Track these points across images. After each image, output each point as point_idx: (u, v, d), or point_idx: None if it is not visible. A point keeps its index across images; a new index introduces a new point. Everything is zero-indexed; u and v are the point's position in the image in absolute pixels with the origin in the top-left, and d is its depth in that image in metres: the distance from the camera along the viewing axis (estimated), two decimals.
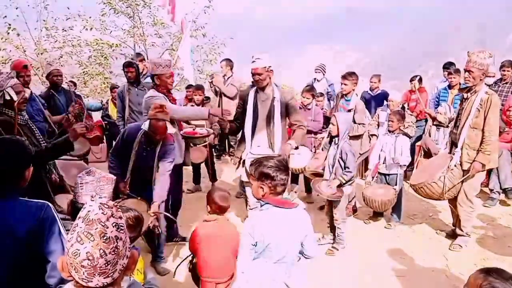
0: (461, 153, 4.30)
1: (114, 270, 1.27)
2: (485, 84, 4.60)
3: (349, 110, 5.30)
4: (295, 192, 6.26)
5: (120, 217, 1.31)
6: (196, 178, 6.58)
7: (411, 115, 7.05)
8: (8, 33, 10.95)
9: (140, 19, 12.15)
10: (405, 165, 5.07)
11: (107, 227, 1.25)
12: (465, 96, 4.40)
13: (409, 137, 5.43)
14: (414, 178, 4.67)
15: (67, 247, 1.26)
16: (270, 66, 3.98)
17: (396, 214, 5.22)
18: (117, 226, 1.27)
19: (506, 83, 6.35)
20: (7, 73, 3.55)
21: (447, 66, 7.82)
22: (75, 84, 9.56)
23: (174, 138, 4.04)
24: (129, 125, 4.25)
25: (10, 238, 1.81)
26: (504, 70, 6.39)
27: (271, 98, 4.08)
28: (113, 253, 1.24)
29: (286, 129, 4.18)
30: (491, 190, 5.84)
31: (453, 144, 4.53)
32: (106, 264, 1.24)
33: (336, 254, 4.46)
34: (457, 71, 6.98)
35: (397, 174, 5.00)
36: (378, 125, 6.15)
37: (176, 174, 4.40)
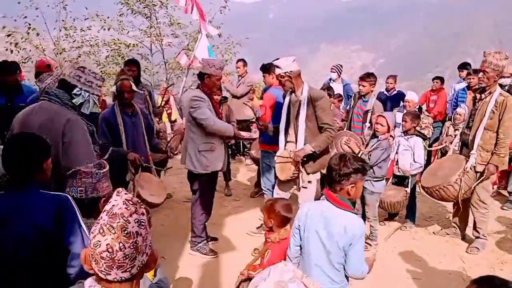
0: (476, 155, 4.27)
1: (133, 266, 1.29)
2: (500, 84, 4.54)
3: (367, 111, 5.28)
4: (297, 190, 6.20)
5: (143, 214, 1.34)
6: None
7: (429, 116, 7.00)
8: (28, 33, 11.13)
9: (157, 19, 12.24)
10: (416, 173, 5.02)
11: (129, 222, 1.28)
12: (478, 97, 4.35)
13: (425, 138, 5.36)
14: (426, 181, 4.61)
15: (90, 238, 1.30)
16: (287, 72, 4.00)
17: (410, 218, 5.19)
18: (138, 222, 1.30)
19: None
20: (56, 74, 3.58)
21: (463, 66, 7.74)
22: None
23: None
24: (101, 113, 4.27)
25: (30, 229, 1.85)
26: None
27: (299, 101, 4.10)
28: (132, 247, 1.27)
29: (314, 131, 4.12)
30: (510, 193, 5.76)
31: (464, 144, 4.49)
32: (125, 258, 1.26)
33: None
34: (476, 71, 6.90)
35: (409, 176, 4.96)
36: (395, 126, 6.11)
37: (213, 180, 4.48)
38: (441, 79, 7.78)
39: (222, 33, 12.13)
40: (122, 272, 1.28)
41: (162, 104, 7.26)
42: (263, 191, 5.23)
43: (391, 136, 5.84)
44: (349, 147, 4.68)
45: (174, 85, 12.12)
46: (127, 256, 1.26)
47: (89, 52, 12.25)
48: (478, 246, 4.48)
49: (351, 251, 2.29)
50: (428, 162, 6.60)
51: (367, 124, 5.31)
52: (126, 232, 1.26)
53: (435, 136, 7.14)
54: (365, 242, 4.53)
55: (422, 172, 5.20)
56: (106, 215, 1.29)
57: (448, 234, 4.88)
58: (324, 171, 4.29)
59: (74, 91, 2.77)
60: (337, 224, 2.29)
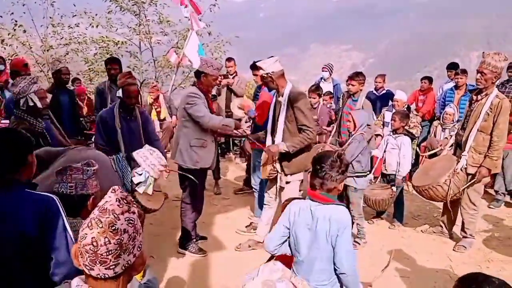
0: (467, 157, 4.27)
1: (116, 263, 1.28)
2: None
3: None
4: (300, 191, 6.29)
5: (134, 213, 1.35)
6: None
7: (417, 115, 7.04)
8: (15, 29, 10.98)
9: (146, 17, 12.16)
10: (404, 176, 5.05)
11: (118, 219, 1.29)
12: (474, 98, 4.32)
13: (413, 137, 5.38)
14: (417, 179, 4.63)
15: (79, 232, 1.31)
16: (268, 73, 4.01)
17: (398, 217, 5.22)
18: (128, 221, 1.31)
19: None
20: (30, 78, 3.50)
21: (451, 66, 7.82)
22: (79, 81, 9.61)
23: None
24: (100, 113, 4.23)
25: (14, 229, 1.81)
26: (511, 71, 6.36)
27: (281, 102, 4.12)
28: (116, 243, 1.26)
29: (294, 132, 4.11)
30: (496, 192, 5.83)
31: (458, 145, 4.50)
32: (108, 253, 1.26)
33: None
34: (464, 71, 6.96)
35: (395, 174, 4.99)
36: (383, 125, 6.14)
37: (202, 177, 4.50)
38: (429, 79, 7.84)
39: (211, 31, 12.09)
40: (105, 268, 1.27)
41: (151, 102, 7.22)
42: (253, 189, 5.23)
43: (379, 135, 5.88)
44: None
45: (164, 83, 12.08)
46: (110, 252, 1.26)
47: (77, 49, 12.13)
48: (465, 245, 4.51)
49: (338, 243, 2.30)
50: (416, 162, 6.66)
51: None
52: (113, 228, 1.26)
53: (423, 136, 7.19)
54: (354, 241, 4.54)
55: (410, 171, 5.23)
56: (98, 210, 1.31)
57: (435, 232, 4.92)
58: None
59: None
60: (322, 218, 2.34)
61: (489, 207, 5.73)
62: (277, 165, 4.13)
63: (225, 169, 7.45)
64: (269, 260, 2.86)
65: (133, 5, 11.90)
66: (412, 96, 7.92)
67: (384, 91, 7.36)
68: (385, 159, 5.08)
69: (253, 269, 2.53)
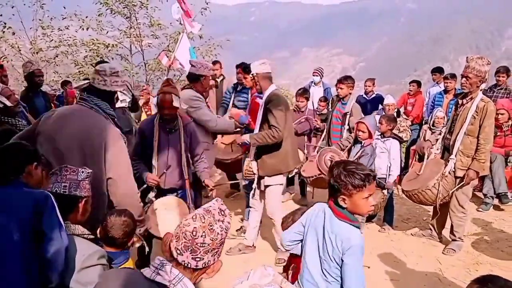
0: (455, 160, 4.31)
1: (202, 258, 1.45)
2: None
3: (345, 114, 5.31)
4: (291, 193, 6.29)
5: (229, 222, 1.54)
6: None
7: (407, 119, 7.09)
8: (4, 31, 10.89)
9: (136, 20, 12.13)
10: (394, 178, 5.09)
11: (216, 223, 1.48)
12: (460, 102, 4.38)
13: (402, 141, 5.40)
14: (406, 184, 4.65)
15: (182, 221, 1.48)
16: (253, 73, 4.09)
17: (388, 221, 5.24)
18: (221, 228, 1.50)
19: (501, 88, 6.39)
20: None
21: (436, 70, 7.90)
22: (70, 84, 9.53)
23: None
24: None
25: (12, 221, 1.91)
26: (499, 76, 6.44)
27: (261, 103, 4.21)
28: (210, 240, 1.45)
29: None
30: (485, 195, 5.87)
31: (446, 149, 4.54)
32: (201, 245, 1.44)
33: None
34: (453, 76, 7.03)
35: (385, 178, 5.00)
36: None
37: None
38: (418, 83, 7.91)
39: (203, 35, 12.09)
40: (192, 258, 1.44)
41: (141, 105, 7.19)
42: (245, 192, 5.22)
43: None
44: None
45: (154, 86, 12.02)
46: (203, 245, 1.44)
47: (67, 52, 12.05)
48: (454, 248, 4.55)
49: (344, 266, 2.11)
50: (405, 165, 6.70)
51: (346, 127, 5.35)
52: (211, 227, 1.46)
53: (413, 139, 7.25)
54: None
55: (400, 175, 5.26)
56: (203, 209, 1.51)
57: (425, 235, 4.94)
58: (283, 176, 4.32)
59: (118, 96, 2.92)
60: (331, 232, 2.17)
61: (478, 211, 5.77)
62: (253, 166, 4.17)
63: (216, 172, 7.41)
64: (288, 258, 2.83)
65: (124, 8, 11.86)
66: (401, 99, 7.98)
67: (374, 95, 7.40)
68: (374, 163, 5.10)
69: (243, 272, 2.51)
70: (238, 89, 6.15)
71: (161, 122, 3.68)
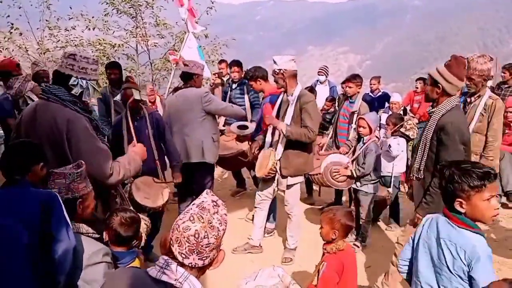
0: None
1: (208, 256, 1.45)
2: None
3: (353, 113, 5.29)
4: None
5: (225, 214, 1.53)
6: None
7: (413, 117, 7.05)
8: (11, 32, 10.96)
9: (142, 20, 12.15)
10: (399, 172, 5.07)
11: (214, 218, 1.46)
12: (468, 100, 4.36)
13: (408, 139, 5.36)
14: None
15: (178, 224, 1.44)
16: (281, 69, 3.99)
17: (394, 218, 5.22)
18: (219, 220, 1.48)
19: (509, 87, 6.34)
20: (22, 76, 3.46)
21: None
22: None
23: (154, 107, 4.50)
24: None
25: (20, 222, 1.91)
26: (504, 72, 6.39)
27: (288, 101, 4.11)
28: (214, 238, 1.44)
29: None
30: None
31: None
32: (206, 246, 1.43)
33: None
34: None
35: (391, 175, 4.99)
36: (380, 127, 6.14)
37: (210, 173, 4.79)
38: (425, 80, 7.86)
39: (208, 34, 12.10)
40: (199, 258, 1.43)
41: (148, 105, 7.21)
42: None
43: (376, 137, 5.88)
44: (340, 175, 4.63)
45: (161, 86, 12.06)
46: (208, 245, 1.43)
47: None
48: None
49: (476, 279, 1.84)
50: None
51: (353, 126, 5.32)
52: (211, 224, 1.44)
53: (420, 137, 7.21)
54: (353, 244, 4.55)
55: (406, 172, 5.23)
56: (196, 207, 1.47)
57: None
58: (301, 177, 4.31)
59: (71, 82, 2.58)
60: (449, 242, 1.93)
61: None
62: (277, 165, 4.09)
63: (221, 171, 7.42)
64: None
65: (130, 7, 11.88)
66: (407, 97, 7.95)
67: (380, 93, 7.38)
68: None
69: (252, 272, 2.50)
70: (233, 87, 6.16)
71: (129, 113, 4.12)
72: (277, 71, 4.02)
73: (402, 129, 5.21)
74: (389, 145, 4.88)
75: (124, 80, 4.18)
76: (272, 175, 4.14)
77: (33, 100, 3.38)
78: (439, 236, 1.95)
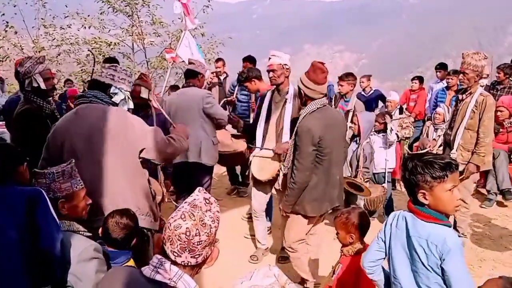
0: (456, 155, 4.31)
1: (200, 254, 1.44)
2: (480, 85, 4.60)
3: (348, 111, 5.30)
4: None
5: (218, 211, 1.52)
6: None
7: (409, 115, 7.08)
8: (6, 30, 10.92)
9: (138, 18, 12.14)
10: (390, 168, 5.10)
11: (205, 216, 1.45)
12: (460, 98, 4.40)
13: (400, 139, 5.37)
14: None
15: (170, 222, 1.44)
16: (286, 65, 3.92)
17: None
18: (211, 218, 1.47)
19: (504, 87, 6.37)
20: (36, 58, 3.42)
21: (439, 67, 7.89)
22: (71, 82, 9.56)
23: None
24: None
25: (9, 219, 1.91)
26: (499, 72, 6.42)
27: (284, 100, 4.00)
28: (206, 235, 1.43)
29: None
30: (488, 191, 5.86)
31: (447, 145, 4.55)
32: (198, 243, 1.42)
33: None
34: (456, 72, 7.02)
35: (384, 172, 5.01)
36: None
37: (208, 173, 4.72)
38: (420, 79, 7.91)
39: (205, 32, 12.09)
40: (191, 256, 1.43)
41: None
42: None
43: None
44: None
45: (157, 84, 12.04)
46: (200, 242, 1.42)
47: (69, 50, 12.06)
48: None
49: (448, 274, 1.84)
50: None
51: (349, 124, 5.33)
52: (203, 222, 1.43)
53: (416, 135, 7.23)
54: None
55: (399, 168, 5.26)
56: (188, 205, 1.46)
57: None
58: None
59: (112, 90, 2.73)
60: (419, 238, 1.92)
61: (481, 207, 5.76)
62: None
63: (218, 169, 7.40)
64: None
65: (125, 6, 11.86)
66: (403, 96, 7.98)
67: (372, 91, 7.37)
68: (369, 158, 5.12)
69: (248, 272, 2.50)
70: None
71: (134, 110, 4.02)
72: (283, 65, 3.91)
73: (398, 128, 5.23)
74: (391, 128, 4.88)
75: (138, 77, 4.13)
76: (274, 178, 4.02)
77: (38, 83, 3.32)
78: (409, 234, 1.96)
